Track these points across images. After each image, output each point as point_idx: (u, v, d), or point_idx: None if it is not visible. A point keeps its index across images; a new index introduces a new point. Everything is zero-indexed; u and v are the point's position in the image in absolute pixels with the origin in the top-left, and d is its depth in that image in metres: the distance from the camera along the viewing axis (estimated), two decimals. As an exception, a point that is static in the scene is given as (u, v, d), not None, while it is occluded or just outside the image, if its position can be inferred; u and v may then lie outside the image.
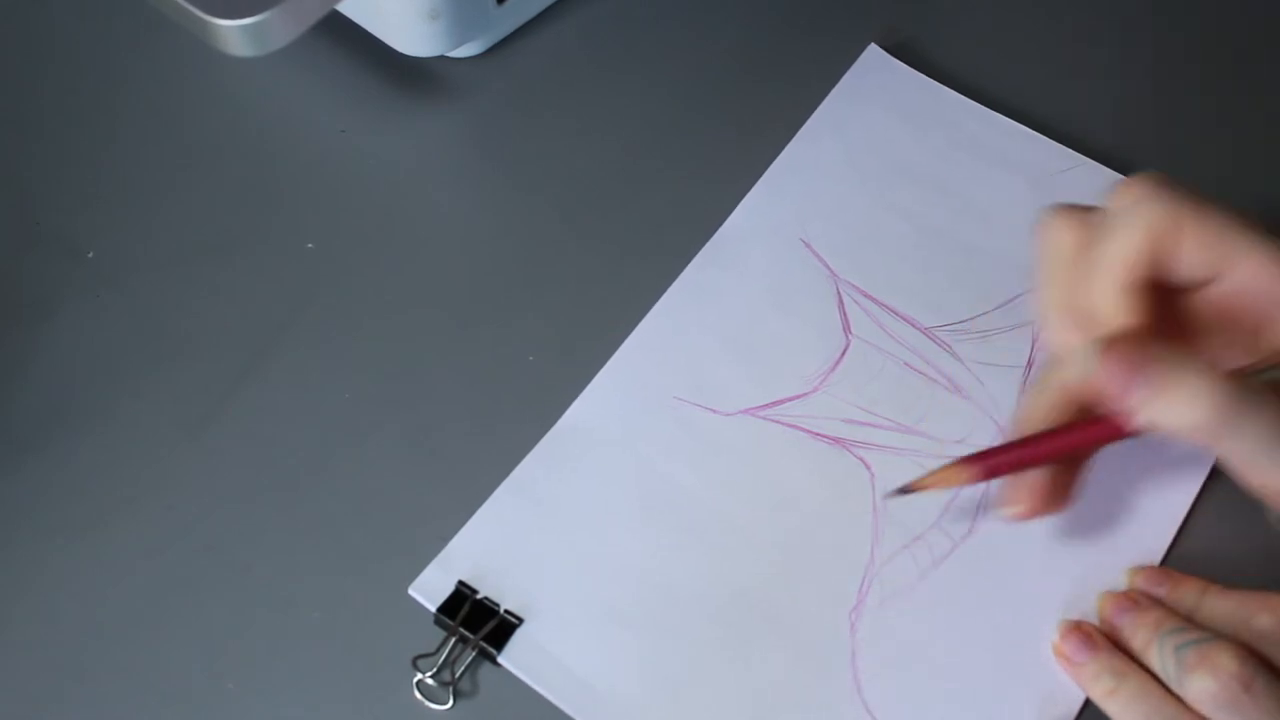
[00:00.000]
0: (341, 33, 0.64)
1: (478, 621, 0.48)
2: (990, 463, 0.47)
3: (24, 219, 0.60)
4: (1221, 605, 0.47)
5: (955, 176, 0.60)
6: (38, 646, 0.49)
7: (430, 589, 0.49)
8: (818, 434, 0.53)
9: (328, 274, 0.58)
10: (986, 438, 0.53)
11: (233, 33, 0.53)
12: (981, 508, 0.51)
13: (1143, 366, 0.42)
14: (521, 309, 0.57)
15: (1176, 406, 0.42)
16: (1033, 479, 0.47)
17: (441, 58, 0.64)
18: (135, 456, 0.53)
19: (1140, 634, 0.47)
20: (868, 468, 0.52)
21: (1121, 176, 0.59)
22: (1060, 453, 0.47)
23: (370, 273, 0.58)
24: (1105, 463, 0.51)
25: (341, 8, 0.57)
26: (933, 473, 0.47)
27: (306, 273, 0.58)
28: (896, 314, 0.56)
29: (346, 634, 0.49)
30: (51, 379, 0.55)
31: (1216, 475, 0.52)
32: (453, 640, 0.48)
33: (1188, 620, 0.47)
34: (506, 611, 0.49)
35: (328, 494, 0.52)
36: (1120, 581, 0.50)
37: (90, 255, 0.59)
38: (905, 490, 0.48)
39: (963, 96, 0.63)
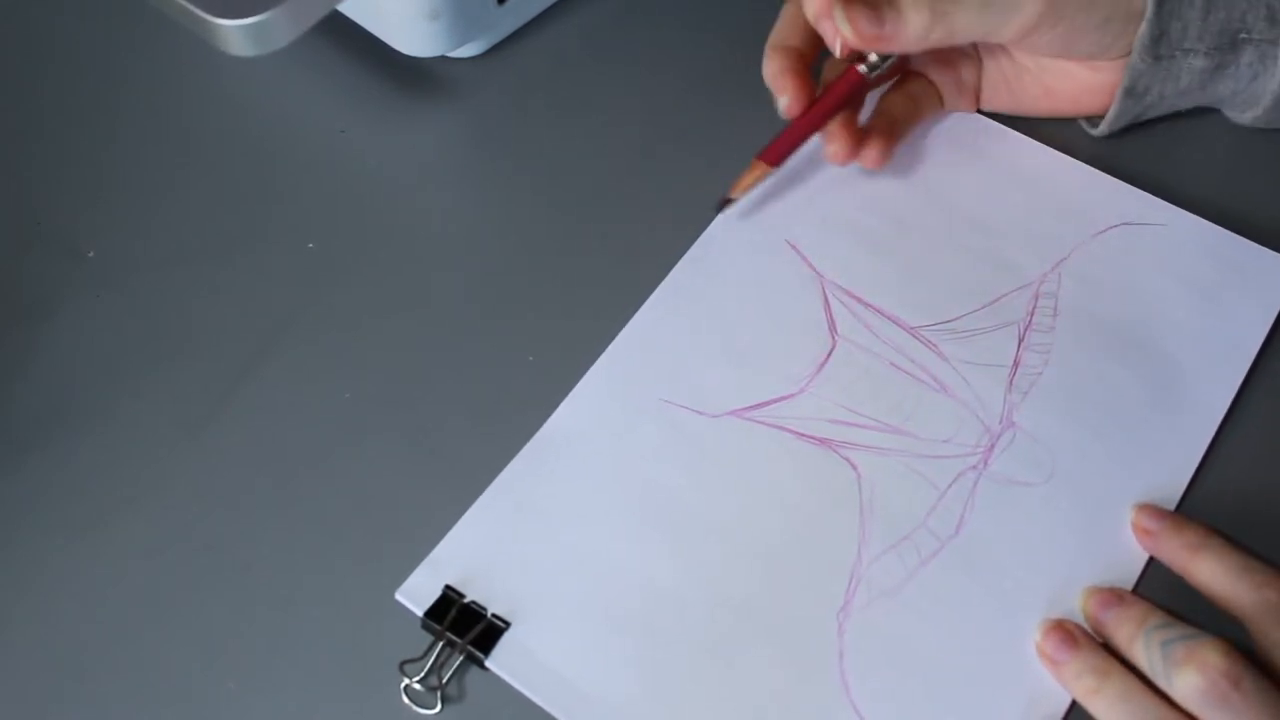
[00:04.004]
0: (341, 33, 0.62)
1: (465, 626, 0.46)
2: (778, 146, 0.55)
3: (24, 219, 0.58)
4: (1156, 637, 0.45)
5: (939, 177, 0.58)
6: (38, 646, 0.47)
7: (417, 593, 0.47)
8: (804, 435, 0.51)
9: (327, 274, 0.56)
10: (972, 436, 0.51)
11: (233, 33, 0.52)
12: (968, 507, 0.49)
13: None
14: (521, 309, 0.55)
15: (906, 25, 0.51)
16: (833, 129, 0.55)
17: (442, 58, 0.62)
18: (135, 456, 0.51)
19: (1124, 629, 0.45)
20: (854, 468, 0.50)
21: (1106, 175, 0.58)
22: (825, 112, 0.54)
23: (370, 273, 0.56)
24: (1093, 464, 0.50)
25: (341, 8, 0.55)
26: (739, 177, 0.55)
27: (306, 273, 0.56)
28: (882, 314, 0.54)
29: (346, 634, 0.47)
30: (51, 379, 0.53)
31: (1198, 481, 0.50)
32: (440, 645, 0.46)
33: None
34: (494, 615, 0.47)
35: (328, 494, 0.50)
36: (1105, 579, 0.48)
37: (90, 255, 0.57)
38: (726, 201, 0.55)
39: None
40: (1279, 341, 0.53)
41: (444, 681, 0.46)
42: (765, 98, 0.58)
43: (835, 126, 0.55)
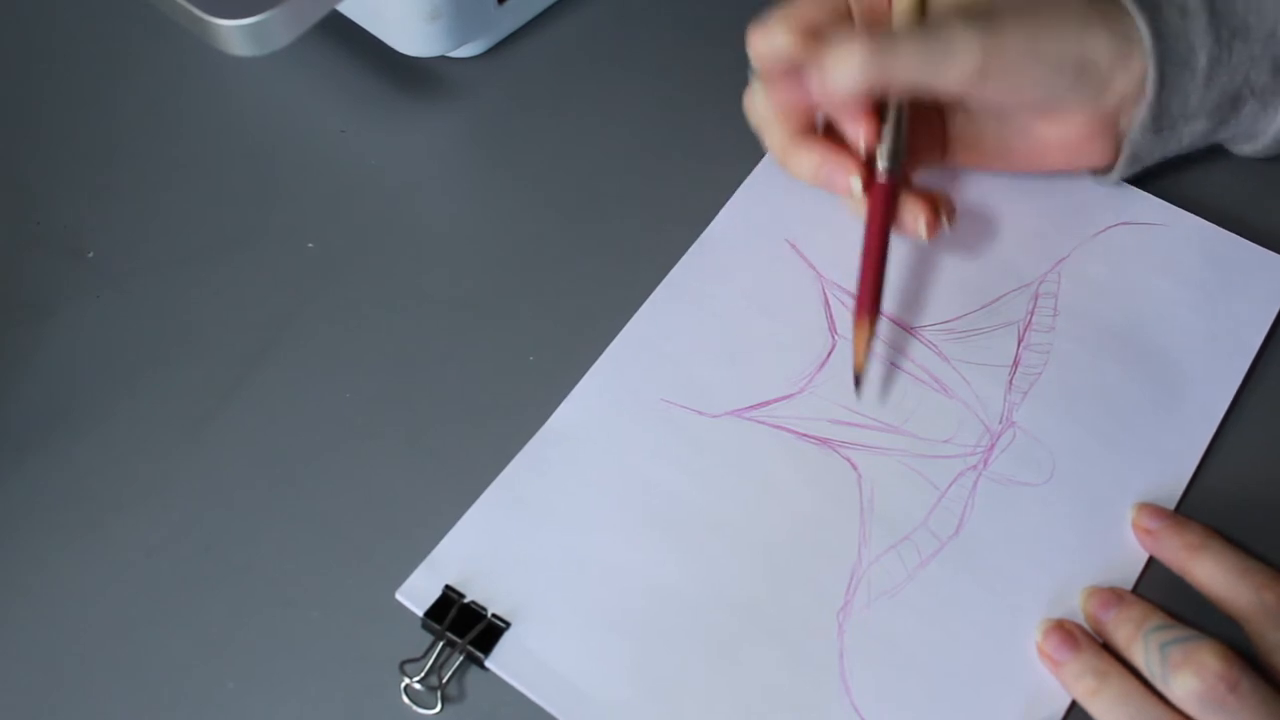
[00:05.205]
0: (341, 33, 0.62)
1: (465, 626, 0.46)
2: (865, 296, 0.51)
3: (24, 219, 0.58)
4: (1155, 639, 0.45)
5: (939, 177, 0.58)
6: (38, 646, 0.47)
7: (417, 593, 0.47)
8: (804, 434, 0.51)
9: (327, 274, 0.56)
10: (972, 436, 0.51)
11: (233, 33, 0.51)
12: (968, 507, 0.49)
13: (812, 58, 0.49)
14: (522, 309, 0.55)
15: (840, 67, 0.48)
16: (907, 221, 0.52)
17: (441, 58, 0.62)
18: (135, 456, 0.51)
19: (1124, 630, 0.46)
20: (854, 468, 0.50)
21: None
22: (883, 236, 0.51)
23: (370, 273, 0.56)
24: (1093, 464, 0.50)
25: (341, 8, 0.55)
26: (855, 349, 0.51)
27: (306, 273, 0.56)
28: (882, 314, 0.54)
29: (346, 634, 0.47)
30: (51, 379, 0.53)
31: (1198, 481, 0.50)
32: (440, 645, 0.46)
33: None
34: (494, 615, 0.47)
35: (327, 494, 0.50)
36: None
37: (90, 255, 0.56)
38: (858, 380, 0.51)
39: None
40: (1278, 341, 0.53)
41: (444, 681, 0.46)
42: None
43: (907, 218, 0.52)
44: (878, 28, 0.51)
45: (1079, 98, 0.51)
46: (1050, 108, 0.52)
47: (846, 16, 0.51)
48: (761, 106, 0.53)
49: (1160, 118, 0.52)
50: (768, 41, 0.51)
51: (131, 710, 0.46)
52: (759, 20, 0.51)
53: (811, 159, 0.52)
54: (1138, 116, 0.52)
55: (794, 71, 0.50)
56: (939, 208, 0.52)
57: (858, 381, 0.51)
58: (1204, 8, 0.51)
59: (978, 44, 0.49)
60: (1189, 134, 0.53)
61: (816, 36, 0.50)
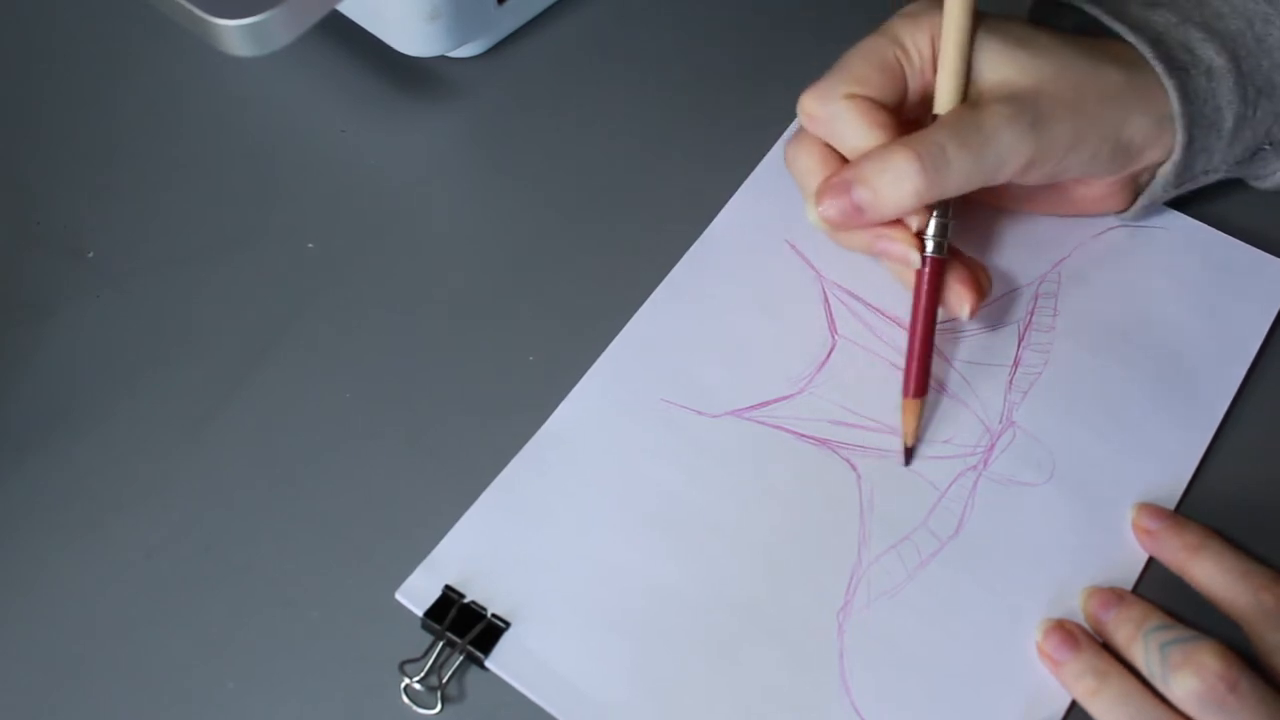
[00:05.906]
0: (341, 33, 0.62)
1: (465, 626, 0.46)
2: (913, 375, 0.51)
3: (24, 219, 0.58)
4: (1155, 639, 0.45)
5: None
6: (38, 646, 0.47)
7: (417, 593, 0.47)
8: (804, 435, 0.51)
9: (327, 274, 0.56)
10: (972, 436, 0.51)
11: (233, 33, 0.51)
12: (968, 507, 0.49)
13: (851, 184, 0.48)
14: (521, 309, 0.55)
15: (894, 190, 0.48)
16: (948, 297, 0.51)
17: (441, 58, 0.62)
18: (135, 456, 0.51)
19: (1124, 630, 0.46)
20: (854, 469, 0.50)
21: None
22: (930, 314, 0.50)
23: (370, 273, 0.56)
24: (1093, 464, 0.50)
25: (341, 8, 0.55)
26: (904, 427, 0.51)
27: (306, 273, 0.56)
28: (882, 314, 0.54)
29: (346, 634, 0.47)
30: (51, 379, 0.53)
31: (1198, 481, 0.50)
32: (440, 645, 0.46)
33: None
34: (494, 615, 0.47)
35: (328, 494, 0.50)
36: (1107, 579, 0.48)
37: (90, 255, 0.56)
38: (909, 456, 0.51)
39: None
40: (1278, 343, 0.53)
41: (444, 681, 0.46)
42: (764, 97, 0.58)
43: (951, 299, 0.51)
44: (924, 103, 0.51)
45: (1109, 171, 0.52)
46: (1080, 179, 0.53)
47: (898, 75, 0.50)
48: (805, 160, 0.52)
49: (1183, 174, 0.52)
50: (822, 106, 0.50)
51: (131, 710, 0.46)
52: (812, 84, 0.50)
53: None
54: (1162, 173, 0.52)
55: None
56: (981, 286, 0.51)
57: (909, 456, 0.50)
58: (1230, 69, 0.51)
59: (1028, 151, 0.48)
60: (1205, 182, 0.54)
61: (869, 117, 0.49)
